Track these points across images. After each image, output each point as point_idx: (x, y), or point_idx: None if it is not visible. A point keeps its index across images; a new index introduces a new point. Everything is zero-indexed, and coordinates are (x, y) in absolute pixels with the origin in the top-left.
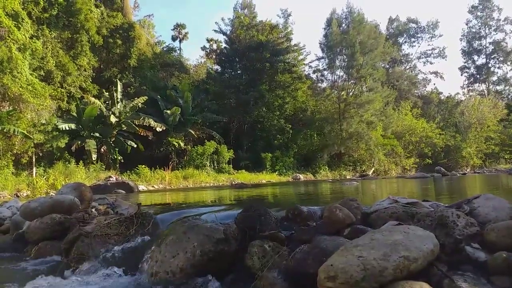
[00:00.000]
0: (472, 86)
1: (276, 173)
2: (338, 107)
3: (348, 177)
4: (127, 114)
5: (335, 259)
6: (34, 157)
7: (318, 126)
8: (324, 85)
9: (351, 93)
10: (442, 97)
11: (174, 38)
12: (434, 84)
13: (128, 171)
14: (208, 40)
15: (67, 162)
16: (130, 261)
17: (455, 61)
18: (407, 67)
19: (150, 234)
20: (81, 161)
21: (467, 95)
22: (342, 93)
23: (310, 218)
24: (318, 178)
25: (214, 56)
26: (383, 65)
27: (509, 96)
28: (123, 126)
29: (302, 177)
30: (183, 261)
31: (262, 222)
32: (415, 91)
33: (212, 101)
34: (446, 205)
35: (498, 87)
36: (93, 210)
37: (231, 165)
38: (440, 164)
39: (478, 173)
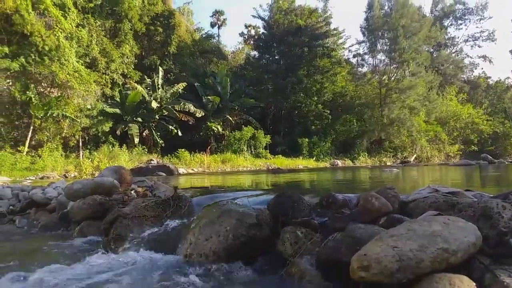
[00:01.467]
0: None
1: (313, 158)
2: (379, 92)
3: (388, 164)
4: (168, 100)
5: (369, 249)
6: (81, 141)
7: (357, 112)
8: (364, 69)
9: (393, 78)
10: (491, 82)
11: (212, 25)
12: (482, 68)
13: (168, 155)
14: (246, 26)
15: (111, 146)
16: (166, 242)
17: (506, 44)
18: (453, 51)
19: (186, 216)
20: (124, 145)
21: None
22: (384, 77)
23: (345, 206)
24: (356, 165)
25: (252, 42)
26: (427, 49)
27: None
28: (164, 111)
29: (340, 163)
30: (216, 244)
31: (295, 209)
32: (461, 76)
33: (250, 87)
34: (491, 195)
35: None
36: (132, 192)
37: (268, 150)
38: (487, 152)
39: None
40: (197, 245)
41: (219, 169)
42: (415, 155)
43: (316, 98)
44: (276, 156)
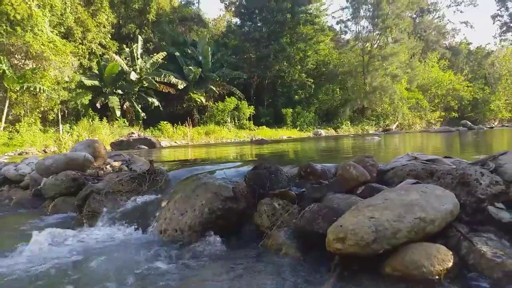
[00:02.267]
0: (504, 36)
1: (297, 128)
2: (362, 59)
3: (370, 132)
4: (148, 71)
5: (345, 220)
6: (60, 114)
7: (340, 80)
8: (347, 36)
9: (375, 45)
10: (472, 48)
11: None
12: (464, 34)
13: (151, 128)
14: None
15: (91, 119)
16: (141, 218)
17: (487, 9)
18: (436, 16)
19: (163, 191)
20: (105, 118)
21: (499, 45)
22: (367, 44)
23: (324, 176)
24: (340, 134)
25: (233, 9)
26: (410, 15)
27: None
28: (144, 82)
29: (323, 132)
30: (192, 218)
31: (272, 180)
32: (443, 42)
33: (232, 56)
34: (470, 162)
35: None
36: (108, 167)
37: (251, 121)
38: (467, 118)
39: (507, 126)
40: (172, 220)
41: (203, 141)
42: (397, 123)
43: (299, 67)
44: (260, 127)
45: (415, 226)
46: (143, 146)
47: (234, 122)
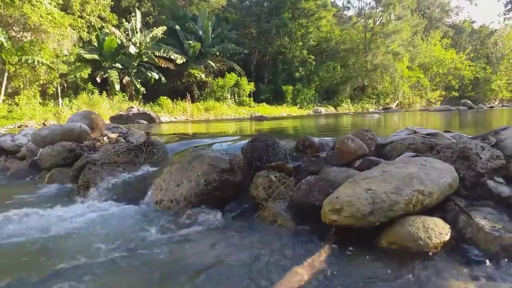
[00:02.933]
0: (508, 14)
1: (297, 106)
2: (364, 36)
3: (370, 110)
4: (148, 45)
5: (342, 191)
6: (59, 88)
7: (342, 58)
8: (350, 13)
9: (378, 22)
10: (475, 27)
11: None
12: (468, 12)
13: (150, 103)
14: None
15: (91, 93)
16: (137, 189)
17: None
18: None
19: (159, 163)
20: (104, 92)
21: (503, 24)
22: (369, 21)
23: (321, 149)
24: (339, 112)
25: None
26: None
27: None
28: (144, 57)
29: (323, 110)
30: (187, 189)
31: (269, 153)
32: (447, 20)
33: (233, 31)
34: (470, 136)
35: None
36: (105, 138)
37: (251, 98)
38: (467, 97)
39: (507, 106)
40: (167, 191)
41: (203, 117)
42: (397, 101)
43: (301, 43)
44: (260, 104)
45: (413, 198)
46: (142, 121)
47: (234, 98)
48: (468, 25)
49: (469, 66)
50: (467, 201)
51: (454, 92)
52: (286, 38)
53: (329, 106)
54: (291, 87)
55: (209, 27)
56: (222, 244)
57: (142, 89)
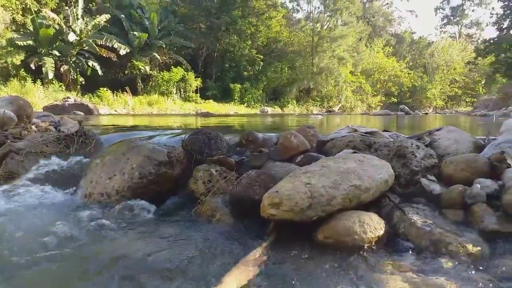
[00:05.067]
0: (444, 28)
1: (245, 105)
2: (312, 40)
3: (314, 112)
4: (89, 33)
5: (282, 185)
6: None
7: (289, 59)
8: (299, 15)
9: (325, 26)
10: (415, 37)
11: None
12: (409, 23)
13: (89, 94)
14: None
15: (23, 80)
16: (65, 181)
17: (432, 1)
18: (384, 3)
19: (92, 154)
20: (39, 80)
21: (439, 37)
22: (317, 25)
23: (265, 144)
24: (285, 112)
25: None
26: None
27: (479, 41)
28: (84, 45)
29: (270, 110)
30: (120, 182)
31: (211, 146)
32: (390, 29)
33: (181, 24)
34: (407, 136)
35: (469, 31)
36: (33, 127)
37: (198, 94)
38: (405, 104)
39: (440, 113)
40: (98, 184)
41: (145, 112)
42: (340, 105)
43: (250, 42)
44: (207, 100)
45: (350, 193)
46: (79, 112)
47: (180, 93)
48: (409, 36)
49: (408, 74)
50: (401, 197)
51: (393, 98)
52: (235, 36)
53: (276, 107)
54: (239, 86)
55: (156, 19)
56: (154, 239)
57: (81, 79)
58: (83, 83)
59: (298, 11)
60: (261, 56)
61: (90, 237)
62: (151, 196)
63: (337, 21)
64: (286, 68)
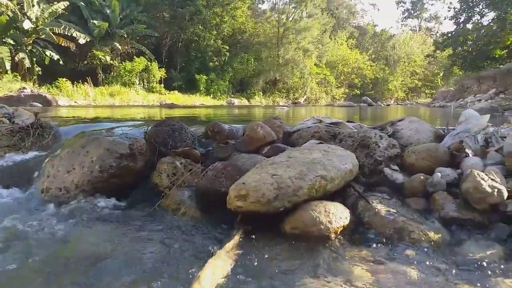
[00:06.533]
0: (405, 21)
1: (211, 96)
2: (277, 31)
3: (281, 103)
4: (46, 21)
5: (248, 177)
6: None
7: (255, 51)
8: (264, 6)
9: (291, 18)
10: (377, 30)
11: None
12: (371, 16)
13: (47, 84)
14: None
15: None
16: (20, 176)
17: None
18: None
19: (50, 147)
20: None
21: (400, 30)
22: (282, 16)
23: (231, 135)
24: (252, 104)
25: None
26: None
27: (437, 34)
28: (41, 33)
29: (236, 101)
30: (79, 176)
31: (176, 138)
32: (353, 21)
33: (144, 13)
34: (370, 126)
35: (429, 24)
36: None
37: (162, 85)
38: (367, 95)
39: (401, 105)
40: (56, 178)
41: (107, 103)
42: (305, 96)
43: (215, 33)
44: (172, 91)
45: (316, 183)
46: (36, 104)
47: (143, 84)
48: (371, 28)
49: (371, 66)
50: (365, 187)
51: (356, 90)
52: (200, 26)
53: (242, 98)
54: (204, 76)
55: (117, 6)
56: (116, 235)
57: (38, 68)
58: (40, 73)
59: (263, 2)
60: (227, 47)
61: (45, 234)
62: (113, 190)
63: (302, 12)
64: (252, 59)
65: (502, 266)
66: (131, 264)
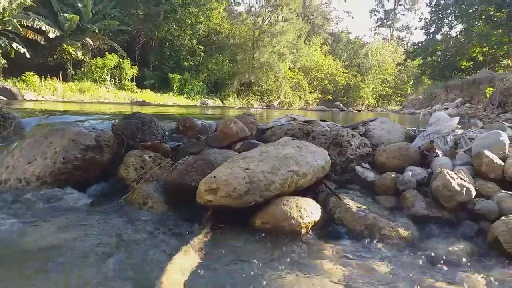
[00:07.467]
0: (378, 30)
1: (184, 96)
2: (253, 34)
3: (255, 106)
4: (13, 12)
5: (219, 171)
6: None
7: (230, 52)
8: (241, 9)
9: (266, 21)
10: (351, 37)
11: None
12: (346, 23)
13: (13, 78)
14: None
15: None
16: None
17: (368, 3)
18: (323, 1)
19: (11, 138)
20: None
21: (373, 38)
22: (258, 19)
23: (203, 131)
24: (226, 105)
25: None
26: None
27: (408, 44)
28: (7, 25)
29: (210, 102)
30: (41, 167)
31: (145, 131)
32: (327, 28)
33: (117, 9)
34: (343, 125)
35: (400, 34)
36: None
37: (134, 83)
38: (339, 101)
39: (371, 111)
40: (16, 169)
41: (76, 99)
42: (279, 100)
43: (190, 32)
44: (144, 90)
45: (288, 178)
46: (1, 97)
47: (114, 81)
48: (345, 35)
49: (343, 73)
50: (337, 184)
51: (329, 96)
52: (175, 25)
53: (216, 99)
54: (178, 76)
55: (90, 1)
56: (79, 229)
57: (3, 61)
58: (6, 66)
59: (239, 4)
60: (202, 47)
61: (2, 226)
62: (77, 183)
63: (278, 16)
64: (227, 61)
65: (469, 263)
66: (90, 259)
